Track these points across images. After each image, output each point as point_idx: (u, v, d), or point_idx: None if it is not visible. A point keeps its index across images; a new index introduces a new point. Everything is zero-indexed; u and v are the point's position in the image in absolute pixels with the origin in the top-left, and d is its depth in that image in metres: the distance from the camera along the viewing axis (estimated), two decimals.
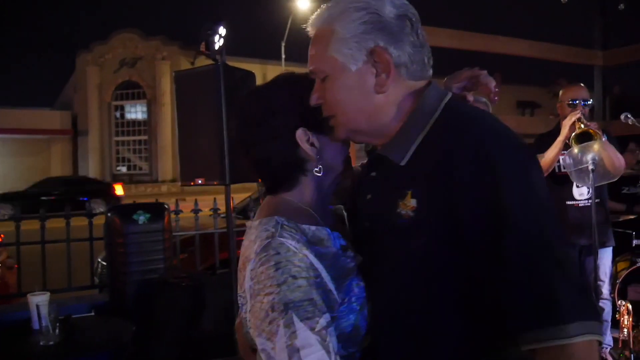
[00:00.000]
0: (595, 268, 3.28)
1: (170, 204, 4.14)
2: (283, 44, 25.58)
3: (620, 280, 3.84)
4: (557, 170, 3.49)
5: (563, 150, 3.36)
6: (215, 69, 3.11)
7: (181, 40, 29.04)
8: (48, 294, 2.78)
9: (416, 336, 1.04)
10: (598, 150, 3.09)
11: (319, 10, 1.14)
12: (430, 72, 1.13)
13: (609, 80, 6.32)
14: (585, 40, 6.18)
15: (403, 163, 1.07)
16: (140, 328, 3.03)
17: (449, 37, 5.03)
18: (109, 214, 3.63)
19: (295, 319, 0.98)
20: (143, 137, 30.12)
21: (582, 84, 3.61)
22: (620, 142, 3.64)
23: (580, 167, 3.12)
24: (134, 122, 30.40)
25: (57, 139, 30.56)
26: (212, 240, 4.37)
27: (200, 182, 3.18)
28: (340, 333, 1.04)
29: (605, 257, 3.58)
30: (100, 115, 29.65)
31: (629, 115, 3.61)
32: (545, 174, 3.25)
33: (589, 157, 3.07)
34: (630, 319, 3.49)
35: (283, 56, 26.00)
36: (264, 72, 27.66)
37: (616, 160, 3.17)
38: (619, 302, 3.59)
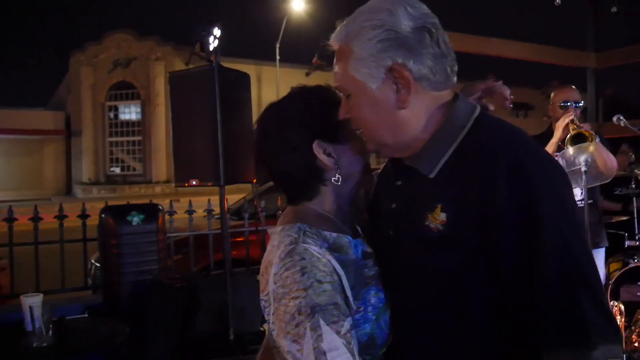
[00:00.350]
0: None
1: (164, 205, 4.12)
2: (277, 45, 25.58)
3: (612, 281, 3.86)
4: None
5: (556, 152, 3.38)
6: (210, 69, 3.11)
7: (175, 40, 28.97)
8: (41, 295, 2.76)
9: (442, 351, 1.05)
10: (592, 151, 3.11)
11: (340, 25, 1.14)
12: (454, 80, 1.12)
13: (602, 82, 6.36)
14: (579, 43, 6.21)
15: (432, 175, 1.07)
16: (134, 329, 3.02)
17: None
18: (102, 215, 3.62)
19: (322, 322, 1.01)
20: (137, 138, 29.99)
21: (573, 86, 3.63)
22: (613, 144, 3.66)
23: (573, 168, 3.14)
24: (128, 123, 30.26)
25: (50, 139, 30.39)
26: (206, 242, 4.36)
27: (194, 183, 3.18)
28: (357, 342, 1.06)
29: (598, 258, 3.60)
30: (93, 116, 29.49)
31: (621, 117, 3.64)
32: None
33: (582, 158, 3.09)
34: (623, 320, 3.52)
35: (277, 57, 25.99)
36: (258, 73, 27.66)
37: (609, 162, 3.19)
38: (612, 302, 3.61)
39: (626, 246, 4.04)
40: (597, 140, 3.27)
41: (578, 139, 3.19)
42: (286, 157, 1.18)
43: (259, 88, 27.57)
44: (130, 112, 30.33)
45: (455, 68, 1.11)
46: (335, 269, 1.08)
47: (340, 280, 1.08)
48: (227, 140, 3.10)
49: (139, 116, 29.80)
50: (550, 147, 3.37)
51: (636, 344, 3.56)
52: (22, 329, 2.76)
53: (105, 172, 30.02)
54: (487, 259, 0.97)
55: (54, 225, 3.88)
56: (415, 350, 1.09)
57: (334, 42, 1.14)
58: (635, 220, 4.18)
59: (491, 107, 1.31)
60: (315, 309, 1.02)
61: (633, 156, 5.41)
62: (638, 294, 3.87)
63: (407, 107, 1.07)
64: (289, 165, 1.19)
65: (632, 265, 3.90)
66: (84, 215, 4.00)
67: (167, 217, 4.06)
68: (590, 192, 3.27)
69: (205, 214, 4.46)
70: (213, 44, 3.23)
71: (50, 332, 2.64)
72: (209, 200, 4.42)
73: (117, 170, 30.56)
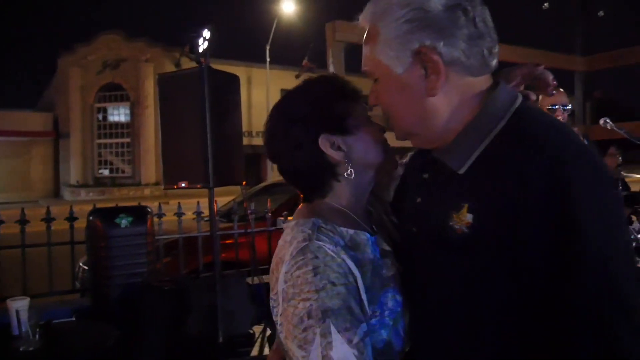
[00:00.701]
0: None
1: (154, 207, 4.11)
2: (268, 47, 25.59)
3: None
4: None
5: None
6: (199, 71, 3.11)
7: (165, 42, 28.90)
8: (28, 299, 2.74)
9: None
10: None
11: (368, 3, 1.04)
12: (494, 64, 1.00)
13: (590, 85, 6.42)
14: (566, 46, 6.27)
15: (461, 171, 0.97)
16: (123, 332, 3.00)
17: None
18: (90, 218, 3.60)
19: (333, 328, 0.93)
20: (126, 140, 29.84)
21: (561, 89, 3.66)
22: (602, 146, 3.69)
23: None
24: (117, 125, 30.12)
25: (38, 141, 30.18)
26: (195, 244, 4.35)
27: (183, 185, 3.17)
28: (372, 349, 0.99)
29: None
30: (82, 117, 29.31)
31: (607, 120, 3.67)
32: None
33: None
34: None
35: (268, 59, 26.00)
36: (248, 75, 27.65)
37: None
38: None
39: None
40: (585, 142, 3.29)
41: None
42: (294, 155, 1.12)
43: (249, 90, 27.57)
44: (119, 114, 30.18)
45: (496, 50, 0.99)
46: (350, 270, 1.00)
47: (356, 283, 1.00)
48: (217, 142, 3.10)
49: (128, 118, 29.66)
50: None
51: None
52: (9, 333, 2.73)
53: (93, 174, 29.84)
54: (517, 272, 0.87)
55: (42, 228, 3.85)
56: (430, 358, 1.02)
57: (362, 21, 1.05)
58: None
59: (533, 97, 1.20)
60: (327, 314, 0.94)
61: (621, 158, 5.48)
62: None
63: (437, 94, 0.97)
64: (297, 163, 1.12)
65: None
66: (71, 218, 3.97)
67: (156, 219, 4.04)
68: None
69: (194, 216, 4.44)
70: (202, 45, 3.23)
71: (37, 336, 2.61)
72: (198, 202, 4.41)
73: (106, 172, 30.38)
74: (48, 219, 3.88)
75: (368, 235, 1.10)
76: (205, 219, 4.34)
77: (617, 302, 0.82)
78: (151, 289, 3.47)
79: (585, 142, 3.59)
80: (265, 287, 3.72)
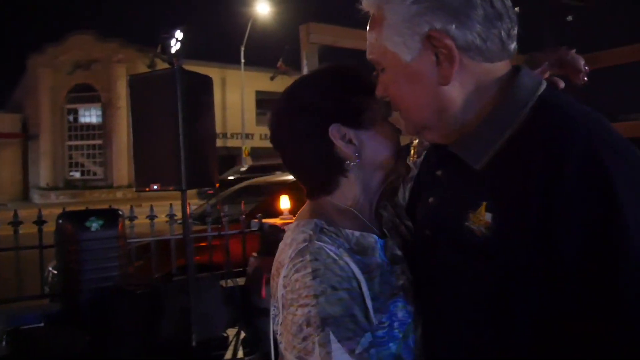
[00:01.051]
0: None
1: (126, 210, 4.05)
2: (243, 49, 25.49)
3: None
4: None
5: None
6: (171, 73, 3.08)
7: (139, 43, 28.56)
8: None
9: None
10: None
11: None
12: (513, 47, 0.91)
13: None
14: (537, 49, 6.39)
15: (479, 167, 0.88)
16: (95, 338, 2.95)
17: None
18: (60, 221, 3.53)
19: (333, 337, 0.86)
20: (97, 142, 29.39)
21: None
22: None
23: None
24: (88, 126, 29.65)
25: (6, 142, 29.52)
26: (168, 247, 4.30)
27: (155, 187, 3.14)
28: None
29: None
30: (52, 119, 28.76)
31: None
32: None
33: None
34: None
35: (242, 60, 25.90)
36: (222, 77, 27.51)
37: None
38: None
39: None
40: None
41: None
42: (300, 146, 1.04)
43: (223, 91, 27.42)
44: (90, 115, 29.73)
45: (514, 32, 0.90)
46: (354, 274, 0.92)
47: (360, 288, 0.92)
48: (189, 144, 3.08)
49: (100, 119, 29.24)
50: None
51: None
52: None
53: (64, 176, 29.30)
54: (545, 278, 0.78)
55: (10, 232, 3.77)
56: None
57: (366, 5, 0.95)
58: None
59: (561, 84, 1.10)
60: (327, 321, 0.86)
61: None
62: None
63: (451, 82, 0.88)
64: (303, 154, 1.05)
65: None
66: (40, 222, 3.89)
67: (127, 222, 3.99)
68: None
69: (167, 219, 4.40)
70: (175, 46, 3.21)
71: (5, 343, 2.56)
72: (170, 205, 4.36)
73: (77, 174, 29.87)
74: (15, 222, 3.80)
75: (376, 237, 1.02)
76: (178, 221, 4.30)
77: None
78: (123, 293, 3.43)
79: None
80: (240, 290, 3.71)
